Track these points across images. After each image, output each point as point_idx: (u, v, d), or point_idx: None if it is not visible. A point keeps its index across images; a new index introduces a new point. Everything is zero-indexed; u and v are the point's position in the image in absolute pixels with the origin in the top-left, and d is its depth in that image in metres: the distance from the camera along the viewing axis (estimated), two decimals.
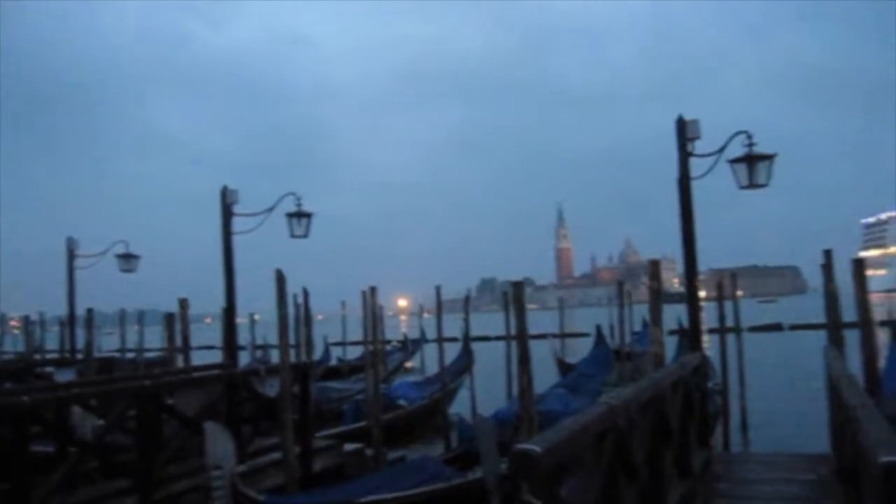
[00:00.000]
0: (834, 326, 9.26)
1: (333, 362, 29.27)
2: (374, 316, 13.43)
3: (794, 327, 47.63)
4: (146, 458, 7.66)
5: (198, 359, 19.73)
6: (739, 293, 20.33)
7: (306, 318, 14.81)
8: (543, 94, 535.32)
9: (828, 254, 9.27)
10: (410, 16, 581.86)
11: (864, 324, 7.73)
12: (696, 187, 8.34)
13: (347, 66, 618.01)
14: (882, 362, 9.94)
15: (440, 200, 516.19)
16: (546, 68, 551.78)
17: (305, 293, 15.30)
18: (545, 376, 20.32)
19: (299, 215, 11.40)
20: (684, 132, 7.85)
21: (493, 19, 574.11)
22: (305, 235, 11.61)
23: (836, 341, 9.05)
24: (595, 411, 4.19)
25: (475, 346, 18.81)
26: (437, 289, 16.51)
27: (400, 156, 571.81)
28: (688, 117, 8.27)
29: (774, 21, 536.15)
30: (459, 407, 16.61)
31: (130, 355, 24.44)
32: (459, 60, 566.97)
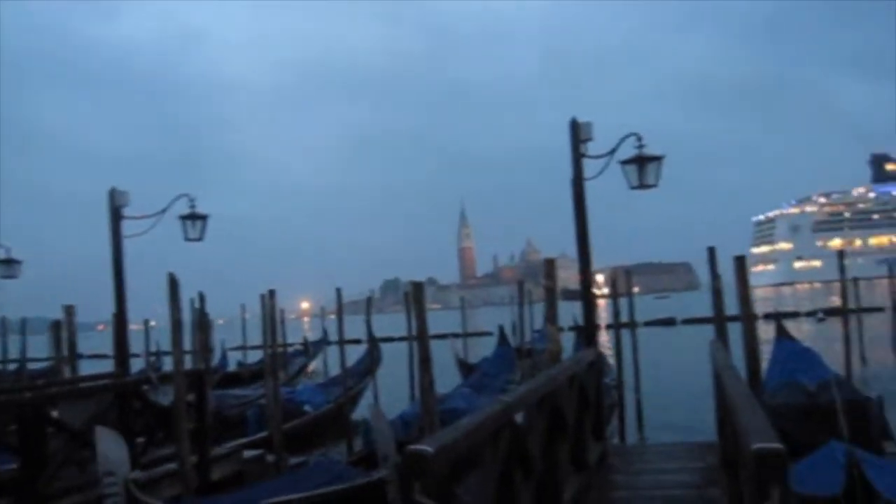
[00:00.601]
0: (719, 320, 9.69)
1: (232, 367, 28.59)
2: (272, 319, 13.16)
3: (686, 321, 49.65)
4: (30, 475, 7.27)
5: (89, 368, 18.86)
6: (635, 289, 21.05)
7: (202, 323, 14.40)
8: (446, 94, 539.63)
9: (712, 251, 9.72)
10: (310, 12, 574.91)
11: (746, 318, 8.14)
12: (596, 187, 8.60)
13: (246, 62, 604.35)
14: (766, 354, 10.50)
15: (345, 201, 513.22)
16: (449, 69, 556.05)
17: (201, 297, 14.88)
18: (449, 376, 20.44)
19: (193, 217, 11.06)
20: (577, 134, 8.07)
21: (394, 18, 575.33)
22: (200, 238, 11.27)
23: (721, 334, 9.50)
24: (491, 409, 4.25)
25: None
26: (338, 291, 16.35)
27: (303, 155, 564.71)
28: (585, 119, 8.48)
29: (669, 27, 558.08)
30: (365, 409, 16.50)
31: (13, 366, 23.14)
32: (362, 59, 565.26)
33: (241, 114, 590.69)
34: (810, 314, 44.79)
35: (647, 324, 47.54)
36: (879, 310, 40.16)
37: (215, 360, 24.55)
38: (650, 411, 15.68)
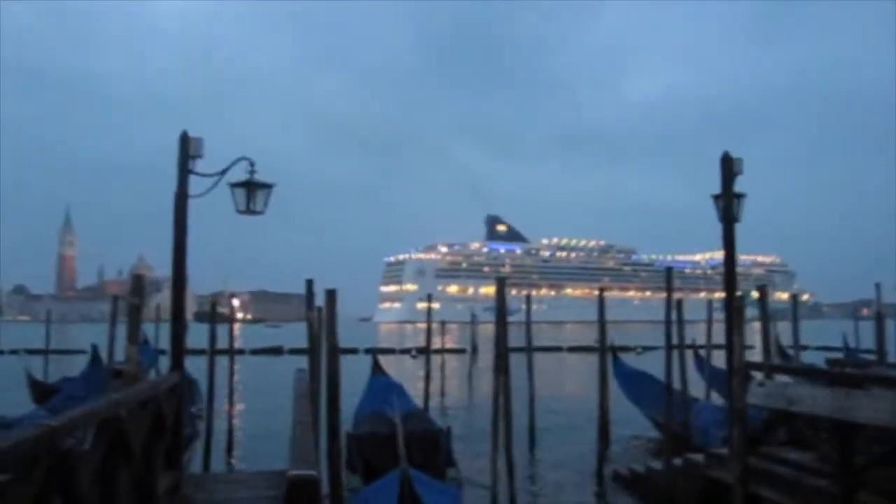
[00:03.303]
0: (313, 351, 10.15)
1: None
2: None
3: (292, 351, 50.69)
4: None
5: None
6: (248, 316, 20.96)
7: None
8: (61, 86, 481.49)
9: (309, 283, 10.16)
10: None
11: (330, 350, 8.49)
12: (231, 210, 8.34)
13: None
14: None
15: None
16: (67, 59, 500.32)
17: None
18: (20, 394, 18.24)
19: None
20: (187, 148, 7.77)
21: None
22: None
23: (313, 364, 9.89)
24: (27, 433, 3.79)
25: None
26: None
27: None
28: (198, 136, 8.17)
29: (309, 64, 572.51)
30: None
31: None
32: None
33: None
34: (405, 351, 48.79)
35: (255, 352, 47.66)
36: (462, 351, 45.57)
37: None
38: (248, 439, 15.57)
